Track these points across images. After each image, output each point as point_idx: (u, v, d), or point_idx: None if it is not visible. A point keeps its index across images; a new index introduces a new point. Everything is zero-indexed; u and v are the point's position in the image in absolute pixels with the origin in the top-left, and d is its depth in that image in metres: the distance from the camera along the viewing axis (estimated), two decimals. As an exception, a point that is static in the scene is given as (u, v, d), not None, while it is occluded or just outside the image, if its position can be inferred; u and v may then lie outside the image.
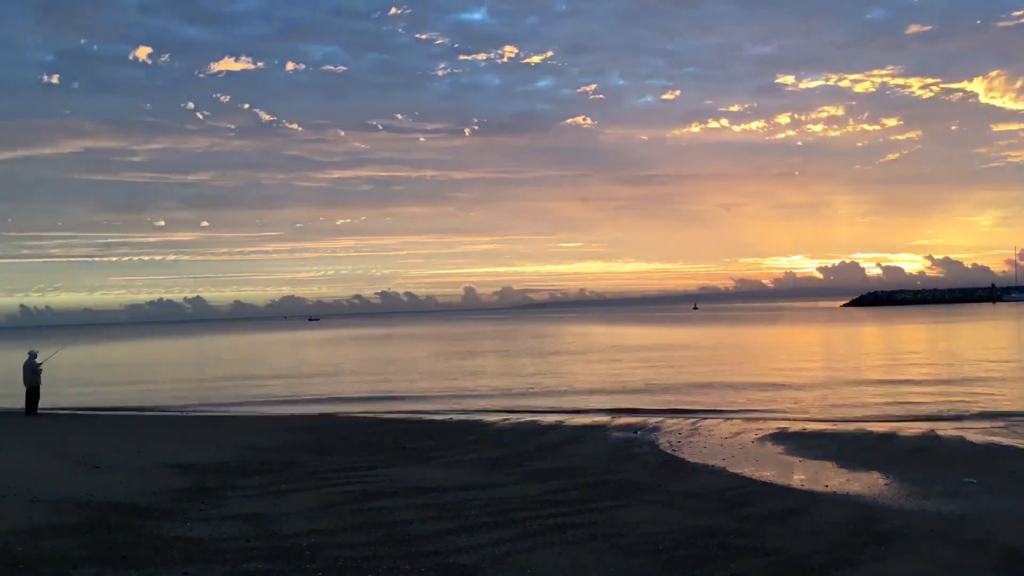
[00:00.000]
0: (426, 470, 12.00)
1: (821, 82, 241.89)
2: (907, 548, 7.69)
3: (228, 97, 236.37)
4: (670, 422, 17.29)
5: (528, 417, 19.06)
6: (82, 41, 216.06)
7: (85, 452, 13.72)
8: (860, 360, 35.11)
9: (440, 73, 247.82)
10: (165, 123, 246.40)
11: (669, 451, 13.53)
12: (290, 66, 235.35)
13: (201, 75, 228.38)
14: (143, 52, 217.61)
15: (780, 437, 14.88)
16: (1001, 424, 16.60)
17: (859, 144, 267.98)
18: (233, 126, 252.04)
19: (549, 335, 74.08)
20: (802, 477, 11.24)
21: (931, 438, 14.65)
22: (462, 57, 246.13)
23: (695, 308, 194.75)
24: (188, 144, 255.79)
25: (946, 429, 15.72)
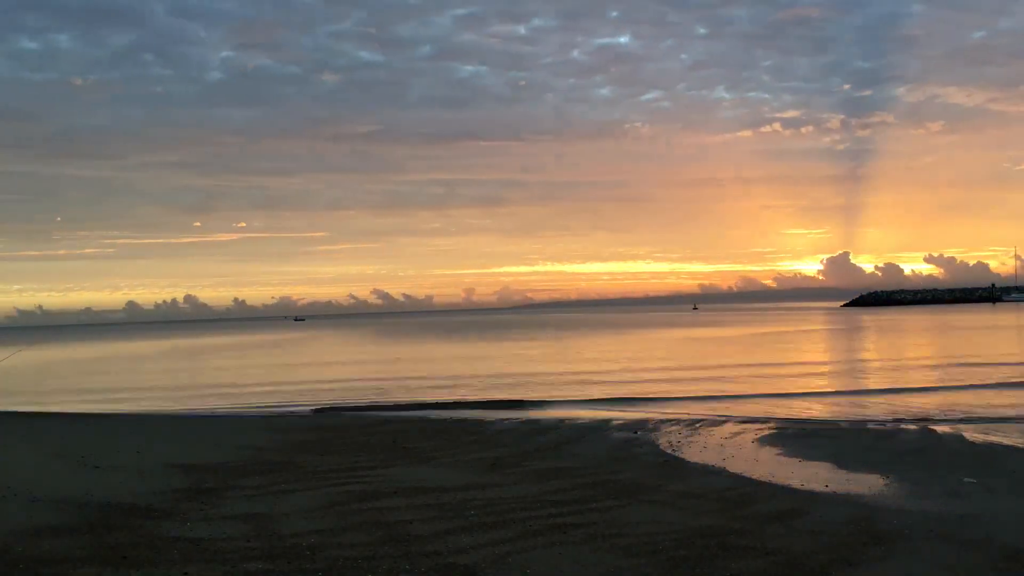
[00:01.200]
0: (426, 470, 12.00)
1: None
2: (907, 548, 7.69)
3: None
4: (670, 422, 17.28)
5: (528, 417, 19.06)
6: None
7: (85, 452, 13.71)
8: (859, 360, 35.10)
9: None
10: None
11: (669, 451, 13.53)
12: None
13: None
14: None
15: (780, 437, 14.88)
16: (1001, 424, 16.60)
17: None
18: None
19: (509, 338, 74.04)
20: (802, 477, 11.24)
21: (931, 438, 14.65)
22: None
23: (695, 309, 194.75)
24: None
25: (946, 429, 15.71)
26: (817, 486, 10.63)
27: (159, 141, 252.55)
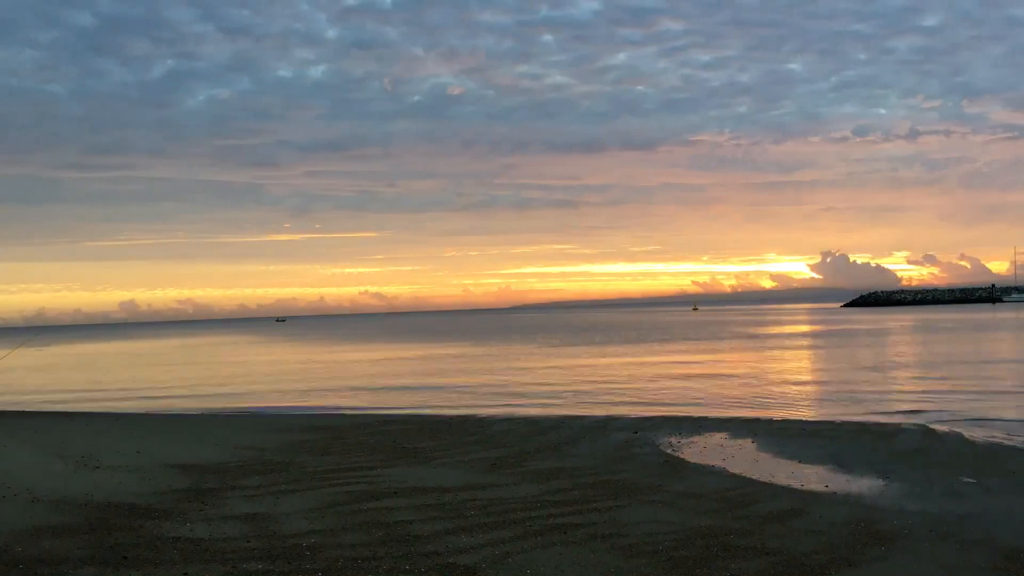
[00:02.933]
0: (426, 470, 12.00)
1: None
2: (907, 548, 7.69)
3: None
4: (671, 422, 17.28)
5: (528, 417, 19.06)
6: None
7: (85, 452, 13.71)
8: (859, 360, 35.10)
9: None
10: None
11: (669, 451, 13.52)
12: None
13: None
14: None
15: (780, 437, 14.87)
16: (1001, 424, 16.60)
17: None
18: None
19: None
20: (802, 477, 11.25)
21: (931, 438, 14.65)
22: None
23: (695, 309, 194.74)
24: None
25: (945, 429, 15.71)
26: (817, 486, 10.63)
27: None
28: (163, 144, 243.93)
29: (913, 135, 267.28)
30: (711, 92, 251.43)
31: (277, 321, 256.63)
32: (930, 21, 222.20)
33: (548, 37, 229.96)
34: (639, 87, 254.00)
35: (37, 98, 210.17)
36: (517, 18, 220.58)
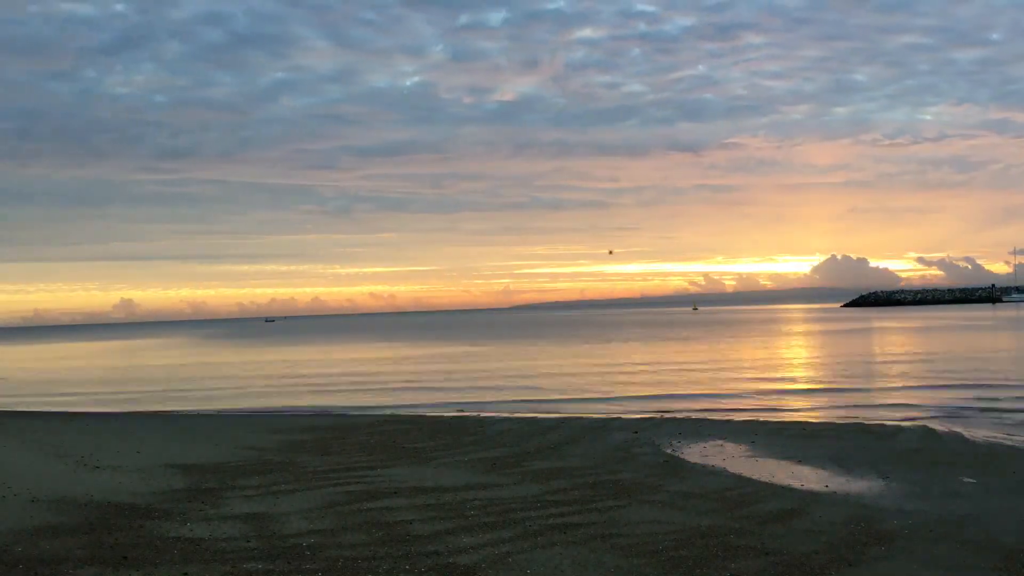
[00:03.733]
0: (426, 470, 12.00)
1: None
2: (907, 548, 7.69)
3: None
4: (671, 422, 17.28)
5: (528, 417, 19.06)
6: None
7: (85, 452, 13.72)
8: (859, 360, 35.11)
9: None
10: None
11: (669, 451, 13.52)
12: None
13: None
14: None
15: (780, 437, 14.87)
16: (1001, 424, 16.61)
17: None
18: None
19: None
20: (802, 477, 11.24)
21: (931, 438, 14.65)
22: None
23: (695, 309, 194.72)
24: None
25: (945, 429, 15.71)
26: (817, 486, 10.63)
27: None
28: (234, 149, 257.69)
29: (944, 138, 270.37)
30: (772, 99, 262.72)
31: (266, 321, 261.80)
32: (995, 35, 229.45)
33: (636, 51, 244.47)
34: (707, 95, 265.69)
35: (132, 104, 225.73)
36: (612, 33, 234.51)
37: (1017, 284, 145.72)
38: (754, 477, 11.26)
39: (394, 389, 28.41)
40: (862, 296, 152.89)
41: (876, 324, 73.61)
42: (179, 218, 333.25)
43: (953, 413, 18.33)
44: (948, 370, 28.76)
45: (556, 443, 14.59)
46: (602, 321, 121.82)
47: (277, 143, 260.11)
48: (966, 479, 10.91)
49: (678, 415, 18.84)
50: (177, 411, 23.44)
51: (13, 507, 9.36)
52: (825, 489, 10.44)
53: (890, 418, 17.74)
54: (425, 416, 20.04)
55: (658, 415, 18.87)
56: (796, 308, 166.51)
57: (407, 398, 25.20)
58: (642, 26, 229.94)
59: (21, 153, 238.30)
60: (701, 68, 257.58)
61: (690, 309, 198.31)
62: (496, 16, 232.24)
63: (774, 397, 22.77)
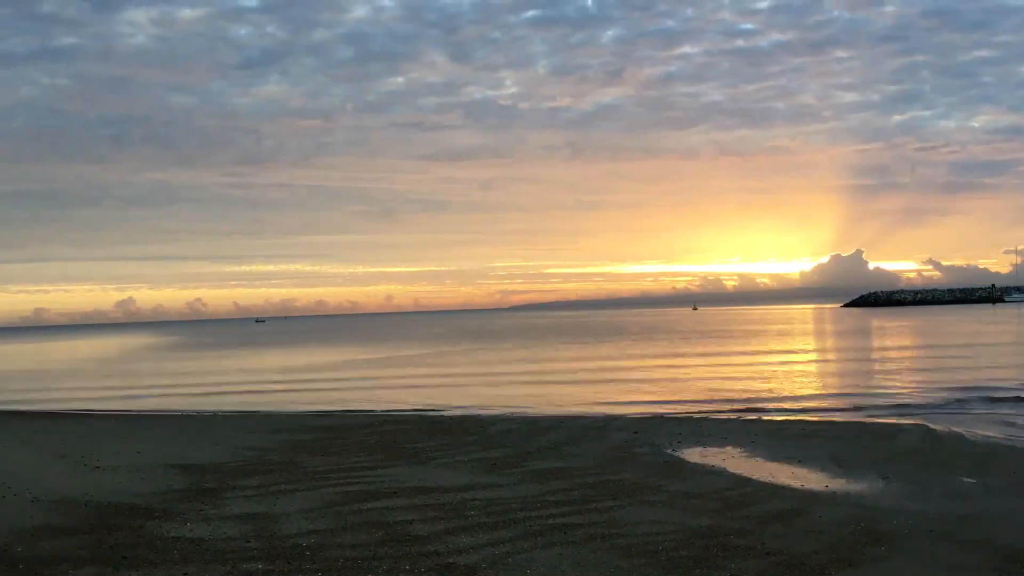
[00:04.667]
0: (426, 470, 12.00)
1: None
2: (907, 548, 7.69)
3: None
4: (670, 422, 17.28)
5: (528, 417, 19.06)
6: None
7: (85, 452, 13.72)
8: (859, 360, 35.12)
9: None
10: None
11: (669, 451, 13.52)
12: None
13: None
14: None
15: (780, 437, 14.87)
16: (1001, 424, 16.61)
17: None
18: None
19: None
20: (802, 477, 11.24)
21: (931, 438, 14.65)
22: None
23: (694, 309, 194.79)
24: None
25: (945, 429, 15.71)
26: (817, 486, 10.63)
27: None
28: (311, 153, 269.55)
29: (980, 143, 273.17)
30: (837, 108, 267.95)
31: (256, 322, 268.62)
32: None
33: (726, 64, 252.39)
34: (778, 104, 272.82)
35: (238, 113, 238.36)
36: (709, 48, 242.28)
37: (1018, 284, 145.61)
38: (754, 477, 11.26)
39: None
40: (862, 296, 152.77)
41: (876, 324, 73.62)
42: (211, 218, 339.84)
43: (953, 413, 18.32)
44: (948, 370, 28.76)
45: (556, 443, 14.59)
46: (602, 322, 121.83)
47: (349, 149, 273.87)
48: (966, 479, 10.91)
49: (678, 415, 18.85)
50: (177, 411, 23.44)
51: (13, 507, 9.36)
52: (825, 489, 10.44)
53: (890, 418, 17.75)
54: (425, 416, 20.05)
55: (658, 415, 18.87)
56: (796, 308, 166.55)
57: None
58: (740, 42, 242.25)
59: (110, 158, 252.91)
60: (782, 80, 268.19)
61: (690, 309, 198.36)
62: (608, 34, 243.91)
63: (774, 397, 22.76)
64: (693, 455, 13.11)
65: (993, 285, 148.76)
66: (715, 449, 13.66)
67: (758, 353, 41.32)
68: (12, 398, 29.50)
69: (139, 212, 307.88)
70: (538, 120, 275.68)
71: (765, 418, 18.17)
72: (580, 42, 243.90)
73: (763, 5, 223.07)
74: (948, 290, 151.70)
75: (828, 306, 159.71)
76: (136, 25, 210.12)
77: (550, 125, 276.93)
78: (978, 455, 12.88)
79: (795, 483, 10.85)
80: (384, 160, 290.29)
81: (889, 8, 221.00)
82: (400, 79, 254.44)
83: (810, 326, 76.27)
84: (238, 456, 13.51)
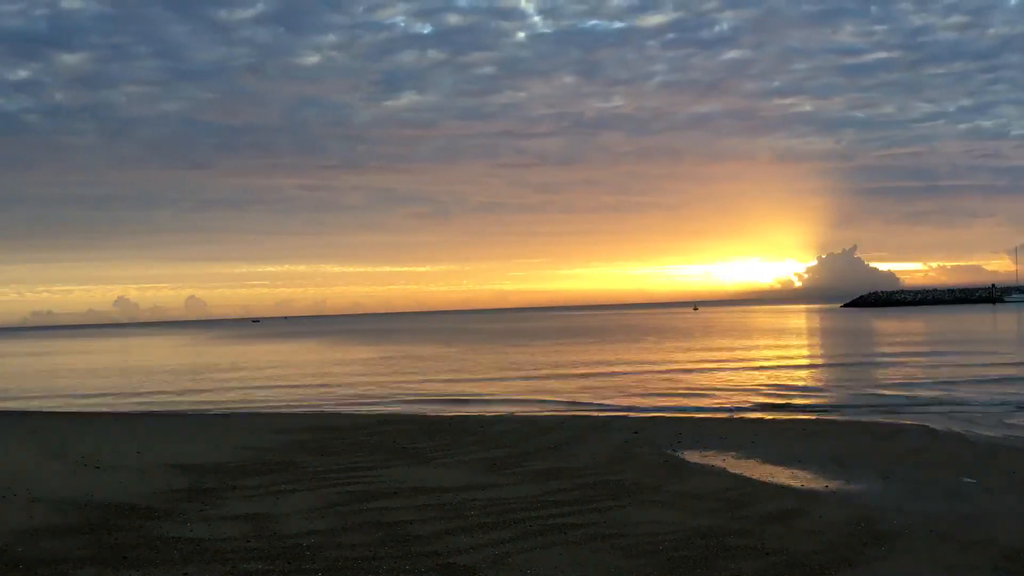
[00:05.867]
0: (426, 470, 12.00)
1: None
2: (907, 548, 7.69)
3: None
4: (670, 422, 17.28)
5: (528, 417, 19.06)
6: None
7: (85, 452, 13.72)
8: (859, 360, 35.12)
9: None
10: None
11: (669, 451, 13.52)
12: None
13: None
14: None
15: (780, 436, 14.88)
16: (1001, 424, 16.61)
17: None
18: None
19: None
20: (802, 477, 11.25)
21: (931, 438, 14.65)
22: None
23: (695, 309, 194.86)
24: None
25: (945, 429, 15.72)
26: (817, 486, 10.63)
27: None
28: (399, 159, 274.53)
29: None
30: (911, 116, 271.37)
31: (253, 322, 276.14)
32: None
33: (825, 79, 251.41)
34: (857, 113, 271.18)
35: (355, 121, 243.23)
36: (819, 64, 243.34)
37: (1018, 284, 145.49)
38: (754, 477, 11.26)
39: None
40: (862, 296, 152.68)
41: (876, 324, 73.63)
42: (274, 220, 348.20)
43: (953, 413, 18.32)
44: (948, 371, 28.76)
45: (556, 443, 14.59)
46: (602, 321, 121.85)
47: (438, 156, 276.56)
48: (966, 479, 10.92)
49: (678, 415, 18.85)
50: (177, 411, 23.45)
51: (13, 507, 9.36)
52: (825, 489, 10.45)
53: (890, 418, 17.75)
54: (425, 416, 20.05)
55: (658, 415, 18.88)
56: (796, 308, 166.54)
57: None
58: (848, 60, 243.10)
59: (211, 164, 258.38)
60: (873, 93, 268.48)
61: (691, 309, 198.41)
62: (730, 55, 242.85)
63: (774, 397, 22.75)
64: (693, 455, 13.11)
65: (993, 285, 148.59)
66: (715, 449, 13.66)
67: (758, 353, 41.31)
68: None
69: (211, 215, 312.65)
70: (627, 128, 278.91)
71: (765, 418, 18.18)
72: (700, 61, 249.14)
73: (880, 27, 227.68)
74: (948, 290, 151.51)
75: (828, 306, 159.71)
76: (319, 48, 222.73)
77: (624, 131, 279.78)
78: (978, 455, 12.89)
79: (795, 483, 10.85)
80: (463, 166, 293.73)
81: (991, 31, 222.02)
82: (520, 93, 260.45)
83: (810, 326, 76.27)
84: (238, 456, 13.51)
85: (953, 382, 24.81)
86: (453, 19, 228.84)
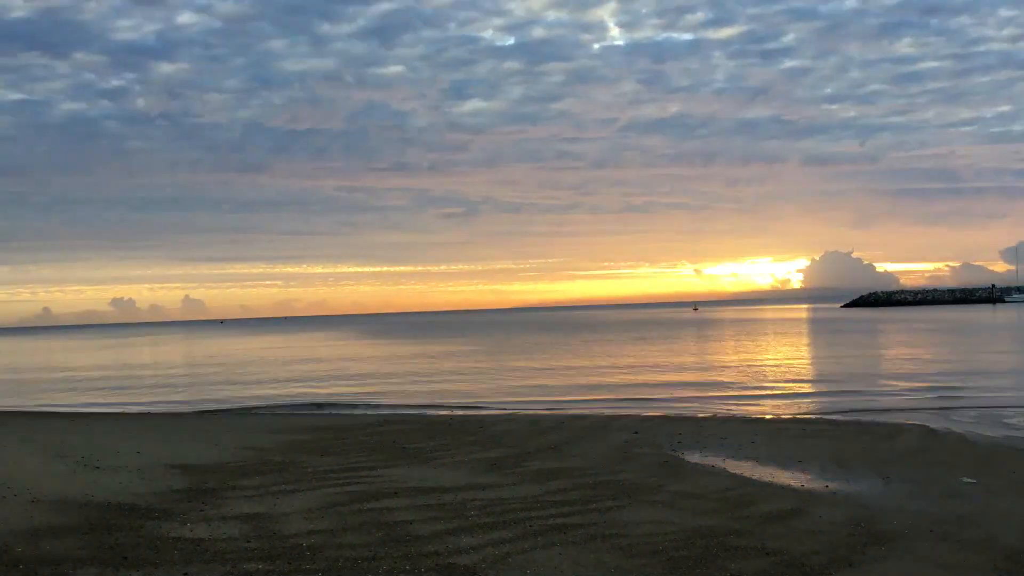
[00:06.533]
0: (426, 470, 12.00)
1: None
2: (907, 548, 7.69)
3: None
4: (670, 422, 17.29)
5: (528, 417, 19.06)
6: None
7: (85, 452, 13.71)
8: (859, 360, 35.12)
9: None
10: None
11: (669, 451, 13.52)
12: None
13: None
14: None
15: (780, 436, 14.88)
16: (1001, 424, 16.62)
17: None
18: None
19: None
20: (802, 477, 11.25)
21: (931, 438, 14.66)
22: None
23: (695, 310, 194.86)
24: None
25: (945, 429, 15.72)
26: (817, 486, 10.64)
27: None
28: (440, 160, 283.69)
29: None
30: (947, 121, 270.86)
31: (220, 323, 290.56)
32: None
33: (884, 87, 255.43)
34: (898, 118, 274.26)
35: (416, 126, 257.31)
36: (872, 73, 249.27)
37: (1018, 284, 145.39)
38: (754, 477, 11.26)
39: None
40: (862, 296, 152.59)
41: (876, 324, 73.61)
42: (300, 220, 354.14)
43: (953, 413, 18.33)
44: (948, 370, 28.77)
45: (556, 443, 14.59)
46: (602, 321, 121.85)
47: (480, 160, 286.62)
48: (966, 479, 10.92)
49: (678, 415, 18.85)
50: (177, 411, 23.46)
51: (13, 507, 9.36)
52: (825, 489, 10.45)
53: (890, 418, 17.75)
54: (425, 416, 20.05)
55: (658, 415, 18.88)
56: (796, 308, 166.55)
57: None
58: (901, 69, 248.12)
59: (266, 168, 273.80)
60: (923, 99, 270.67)
61: (691, 310, 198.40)
62: (789, 64, 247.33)
63: (774, 397, 22.77)
64: (693, 455, 13.11)
65: (993, 286, 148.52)
66: (715, 449, 13.66)
67: (759, 353, 41.31)
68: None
69: (246, 216, 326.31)
70: (669, 131, 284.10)
71: (765, 418, 18.19)
72: (757, 71, 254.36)
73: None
74: (948, 290, 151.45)
75: (828, 306, 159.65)
76: (403, 60, 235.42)
77: (668, 134, 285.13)
78: (978, 455, 12.89)
79: (795, 483, 10.85)
80: (504, 169, 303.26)
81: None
82: (581, 101, 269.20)
83: (810, 326, 76.26)
84: (238, 456, 13.51)
85: (953, 382, 24.82)
86: (537, 32, 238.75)
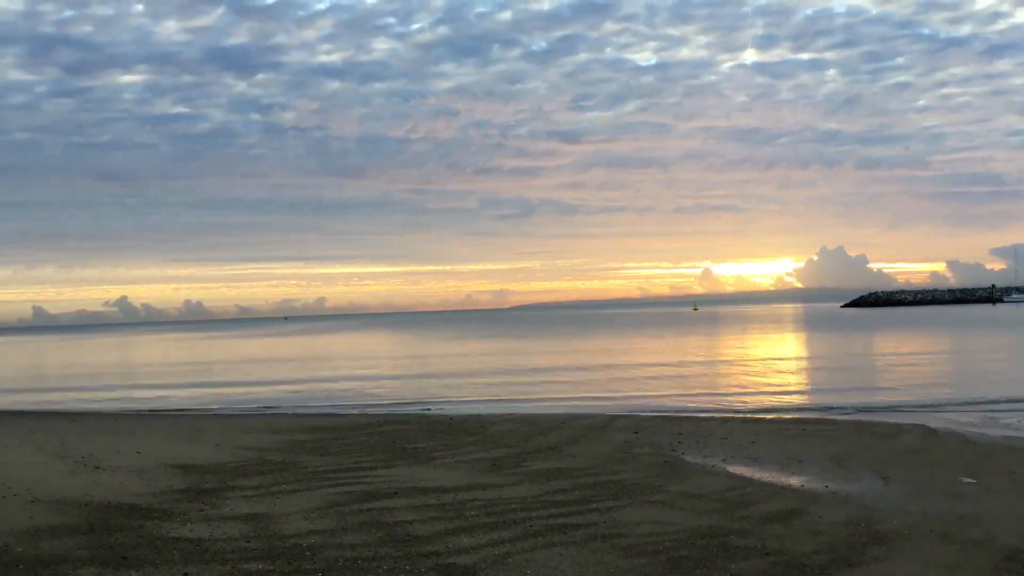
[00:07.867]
0: (426, 470, 12.00)
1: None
2: (907, 548, 7.69)
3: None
4: (670, 422, 17.28)
5: (528, 417, 19.05)
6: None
7: (85, 452, 13.71)
8: (859, 360, 35.11)
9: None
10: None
11: (669, 451, 13.52)
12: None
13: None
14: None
15: (780, 436, 14.88)
16: (1001, 424, 16.61)
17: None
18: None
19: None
20: (802, 477, 11.25)
21: (931, 438, 14.65)
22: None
23: (695, 310, 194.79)
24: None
25: (945, 429, 15.72)
26: (817, 486, 10.63)
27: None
28: (524, 167, 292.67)
29: None
30: (1004, 128, 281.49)
31: (284, 320, 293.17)
32: None
33: (969, 100, 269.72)
34: (930, 124, 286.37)
35: (503, 129, 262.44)
36: (967, 88, 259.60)
37: (1017, 284, 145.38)
38: (754, 477, 11.26)
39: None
40: (862, 296, 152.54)
41: (876, 324, 73.59)
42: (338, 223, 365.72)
43: (953, 413, 18.33)
44: (948, 370, 28.77)
45: (556, 443, 14.59)
46: (601, 321, 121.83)
47: (566, 167, 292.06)
48: (966, 479, 10.91)
49: (678, 415, 18.85)
50: (177, 411, 23.45)
51: (13, 507, 9.36)
52: (825, 489, 10.44)
53: (890, 418, 17.74)
54: (425, 416, 20.05)
55: (658, 415, 18.87)
56: (797, 308, 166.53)
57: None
58: (992, 85, 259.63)
59: (350, 172, 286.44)
60: (983, 111, 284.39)
61: (691, 309, 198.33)
62: (909, 77, 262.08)
63: (774, 397, 22.77)
64: (693, 455, 13.11)
65: (993, 286, 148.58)
66: (715, 449, 13.66)
67: (758, 353, 41.31)
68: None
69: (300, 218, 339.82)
70: (746, 139, 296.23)
71: (765, 418, 18.18)
72: (863, 87, 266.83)
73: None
74: (948, 290, 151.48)
75: (828, 306, 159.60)
76: (547, 78, 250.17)
77: (757, 143, 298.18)
78: (978, 455, 12.89)
79: (795, 483, 10.85)
80: (561, 173, 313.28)
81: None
82: (686, 111, 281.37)
83: (810, 326, 76.24)
84: (238, 456, 13.51)
85: (953, 382, 24.82)
86: (683, 53, 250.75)
